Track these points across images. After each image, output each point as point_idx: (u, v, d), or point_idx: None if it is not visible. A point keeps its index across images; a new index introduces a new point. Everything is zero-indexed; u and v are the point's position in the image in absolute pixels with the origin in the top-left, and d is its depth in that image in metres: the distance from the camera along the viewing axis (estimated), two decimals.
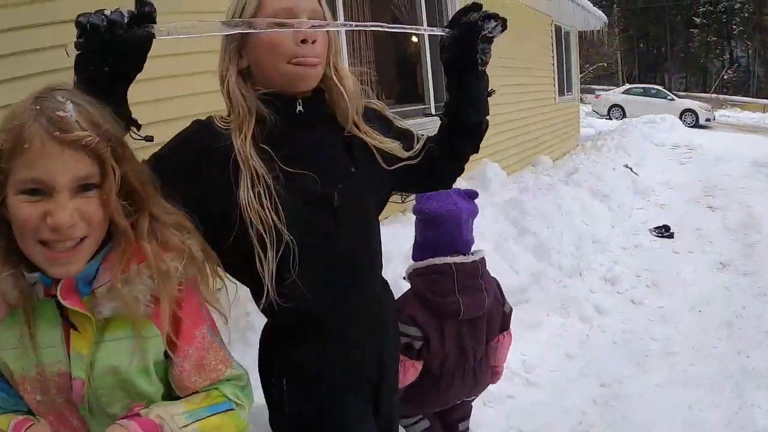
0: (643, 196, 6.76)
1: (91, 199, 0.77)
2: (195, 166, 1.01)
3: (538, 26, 9.19)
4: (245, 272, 1.05)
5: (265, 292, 1.00)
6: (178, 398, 0.90)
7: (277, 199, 0.97)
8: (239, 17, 0.99)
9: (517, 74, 7.95)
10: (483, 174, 5.43)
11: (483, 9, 1.11)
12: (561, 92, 10.43)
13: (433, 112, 5.88)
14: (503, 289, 1.88)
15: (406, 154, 1.17)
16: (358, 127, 1.13)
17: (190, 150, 1.03)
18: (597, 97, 21.50)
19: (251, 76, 1.05)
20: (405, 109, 5.83)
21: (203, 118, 1.08)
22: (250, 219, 0.95)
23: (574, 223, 4.67)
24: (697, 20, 42.18)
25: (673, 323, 3.40)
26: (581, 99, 30.30)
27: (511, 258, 3.46)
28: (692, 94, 36.59)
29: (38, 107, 0.75)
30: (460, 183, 5.64)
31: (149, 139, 0.95)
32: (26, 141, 0.72)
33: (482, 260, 1.71)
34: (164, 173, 0.91)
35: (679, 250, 4.88)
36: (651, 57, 49.06)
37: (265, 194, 0.96)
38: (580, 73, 16.71)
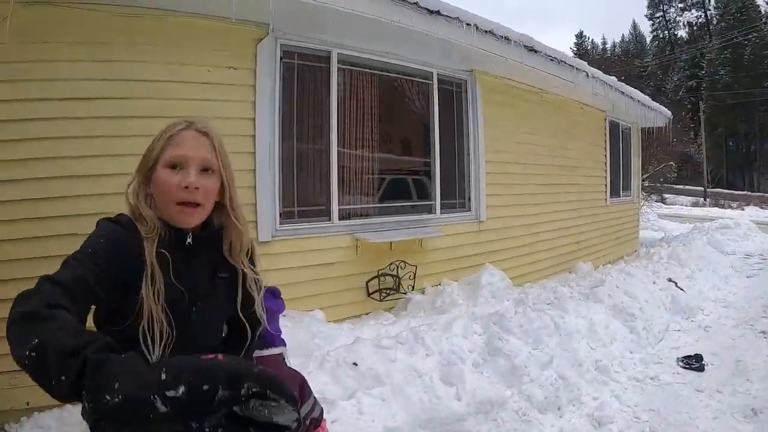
0: (685, 316, 6.04)
1: None
2: (120, 268, 1.26)
3: (588, 122, 8.90)
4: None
5: None
6: None
7: (164, 301, 1.28)
8: (148, 160, 1.35)
9: (556, 173, 7.63)
10: (478, 280, 5.04)
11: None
12: (615, 193, 9.92)
13: (438, 210, 5.67)
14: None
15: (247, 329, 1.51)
16: (238, 262, 1.45)
17: (121, 257, 1.27)
18: None
19: (155, 201, 1.35)
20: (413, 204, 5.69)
21: (125, 217, 1.36)
22: (146, 310, 1.24)
23: (575, 345, 4.14)
24: None
25: None
26: (664, 199, 29.13)
27: (457, 380, 3.04)
28: None
29: None
30: (453, 285, 5.32)
31: None
32: None
33: (271, 356, 1.82)
34: (96, 269, 1.19)
35: (705, 388, 4.19)
36: (739, 155, 47.51)
37: (156, 294, 1.26)
38: (648, 172, 16.02)
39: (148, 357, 1.24)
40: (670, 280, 6.89)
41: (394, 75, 5.56)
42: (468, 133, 6.10)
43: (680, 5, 59.51)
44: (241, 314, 1.47)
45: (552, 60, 6.55)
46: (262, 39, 4.34)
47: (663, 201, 28.16)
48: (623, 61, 49.16)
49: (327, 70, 4.92)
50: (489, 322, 3.89)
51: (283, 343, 1.83)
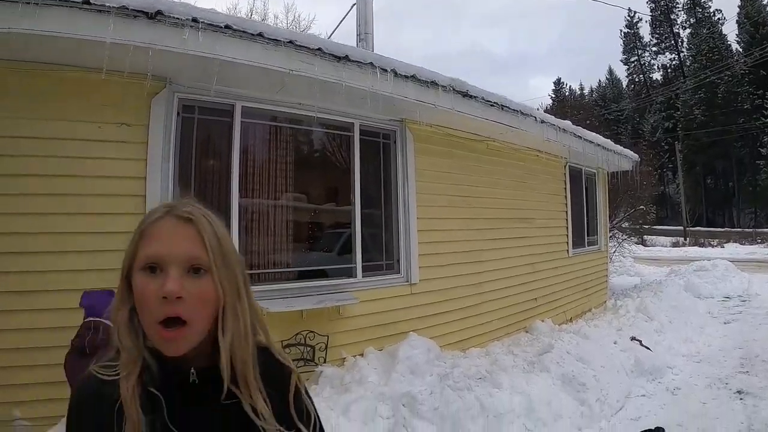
0: (651, 378, 5.61)
1: None
2: None
3: (546, 170, 8.62)
4: None
5: None
6: None
7: None
8: (124, 262, 1.00)
9: (507, 225, 7.28)
10: (395, 353, 4.62)
11: None
12: (579, 243, 9.59)
13: (360, 274, 5.26)
14: None
15: None
16: (245, 391, 1.01)
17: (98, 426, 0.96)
18: None
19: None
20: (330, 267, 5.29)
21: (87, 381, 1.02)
22: None
23: (504, 428, 3.70)
24: (763, 151, 42.39)
25: None
26: (644, 241, 28.85)
27: None
28: (761, 230, 35.08)
29: None
30: (370, 357, 4.87)
31: None
32: None
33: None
34: None
35: None
36: (718, 193, 48.92)
37: None
38: (619, 217, 15.86)
39: None
40: (633, 338, 6.51)
41: (309, 127, 5.25)
42: (397, 187, 5.76)
43: (654, 49, 61.84)
44: None
45: (492, 105, 6.23)
46: (158, 93, 4.19)
47: (643, 243, 28.34)
48: (600, 106, 50.54)
49: (229, 124, 4.66)
50: (399, 404, 3.43)
51: None
